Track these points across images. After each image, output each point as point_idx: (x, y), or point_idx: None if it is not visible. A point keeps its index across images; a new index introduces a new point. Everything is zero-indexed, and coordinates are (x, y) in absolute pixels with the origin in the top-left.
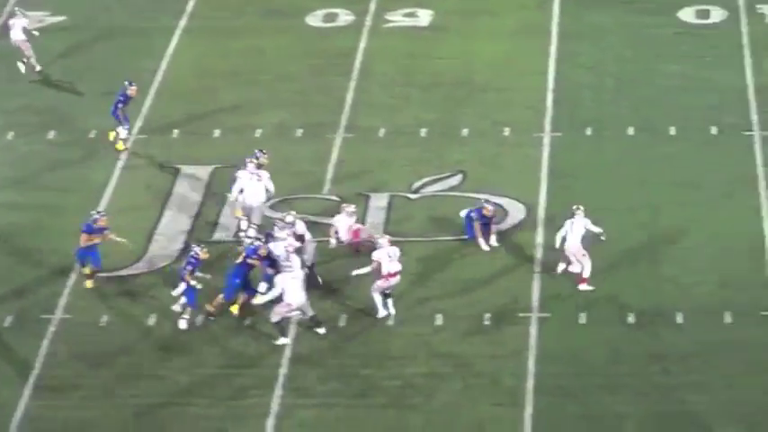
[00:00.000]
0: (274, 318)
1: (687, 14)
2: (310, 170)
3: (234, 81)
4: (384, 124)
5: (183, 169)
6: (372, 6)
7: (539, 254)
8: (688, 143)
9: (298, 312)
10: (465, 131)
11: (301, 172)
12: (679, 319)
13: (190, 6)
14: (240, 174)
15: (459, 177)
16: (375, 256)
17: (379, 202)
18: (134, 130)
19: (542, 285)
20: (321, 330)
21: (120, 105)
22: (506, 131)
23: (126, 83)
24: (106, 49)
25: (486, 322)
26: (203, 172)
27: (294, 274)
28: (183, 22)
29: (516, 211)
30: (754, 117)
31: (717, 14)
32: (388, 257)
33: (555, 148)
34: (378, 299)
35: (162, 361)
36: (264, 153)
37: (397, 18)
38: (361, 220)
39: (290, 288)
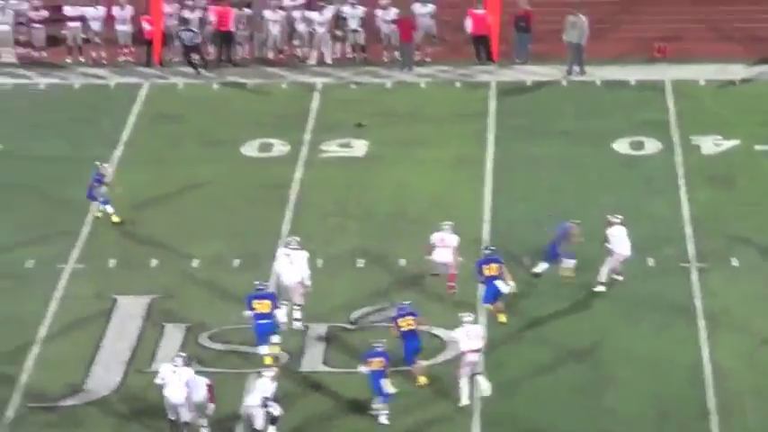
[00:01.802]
0: None
1: (622, 146)
2: None
3: (170, 210)
4: (321, 254)
5: (119, 299)
6: (308, 137)
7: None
8: (625, 274)
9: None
10: (402, 262)
11: (242, 303)
12: None
13: (125, 135)
14: (278, 252)
15: (396, 309)
16: (454, 334)
17: (317, 331)
18: (70, 260)
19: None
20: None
21: (96, 185)
22: None
23: (97, 163)
24: (40, 174)
25: None
26: (141, 302)
27: None
28: (118, 152)
29: (453, 345)
30: (690, 248)
31: (651, 146)
32: (466, 336)
33: None
34: (462, 383)
35: None
36: None
37: (332, 148)
38: (300, 349)
39: None
